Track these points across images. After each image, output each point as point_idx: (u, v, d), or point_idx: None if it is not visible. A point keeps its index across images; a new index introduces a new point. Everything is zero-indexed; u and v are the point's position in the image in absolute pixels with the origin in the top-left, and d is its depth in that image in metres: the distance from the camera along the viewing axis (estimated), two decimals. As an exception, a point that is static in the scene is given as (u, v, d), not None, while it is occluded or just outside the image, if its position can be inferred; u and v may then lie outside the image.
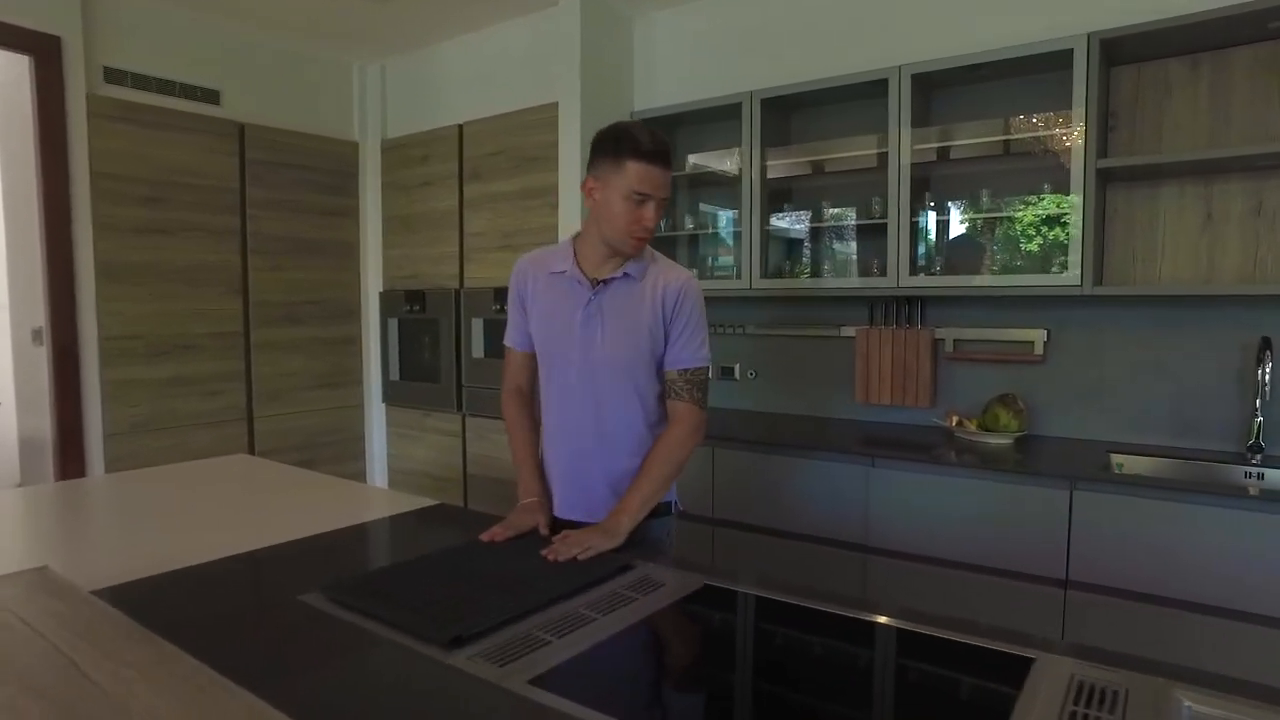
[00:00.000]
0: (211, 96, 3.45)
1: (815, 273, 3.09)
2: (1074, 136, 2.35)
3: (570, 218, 3.13)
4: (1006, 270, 2.62)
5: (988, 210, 2.67)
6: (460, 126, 3.56)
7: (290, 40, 3.70)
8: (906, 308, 2.92)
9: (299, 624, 1.12)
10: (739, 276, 3.07)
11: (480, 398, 3.52)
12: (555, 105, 3.16)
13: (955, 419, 2.70)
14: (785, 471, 2.63)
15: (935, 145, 2.72)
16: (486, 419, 3.51)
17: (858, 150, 2.88)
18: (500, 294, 3.39)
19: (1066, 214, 2.44)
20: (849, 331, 3.07)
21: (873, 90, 2.78)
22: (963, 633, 1.09)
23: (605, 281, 1.55)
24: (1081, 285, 2.35)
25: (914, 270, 2.71)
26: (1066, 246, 2.44)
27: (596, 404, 1.56)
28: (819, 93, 2.89)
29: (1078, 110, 2.33)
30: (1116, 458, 2.40)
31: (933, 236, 2.81)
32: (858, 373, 3.02)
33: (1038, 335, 2.67)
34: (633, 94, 3.44)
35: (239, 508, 1.81)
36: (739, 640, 1.18)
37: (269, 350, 3.63)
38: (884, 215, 2.76)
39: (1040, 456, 2.36)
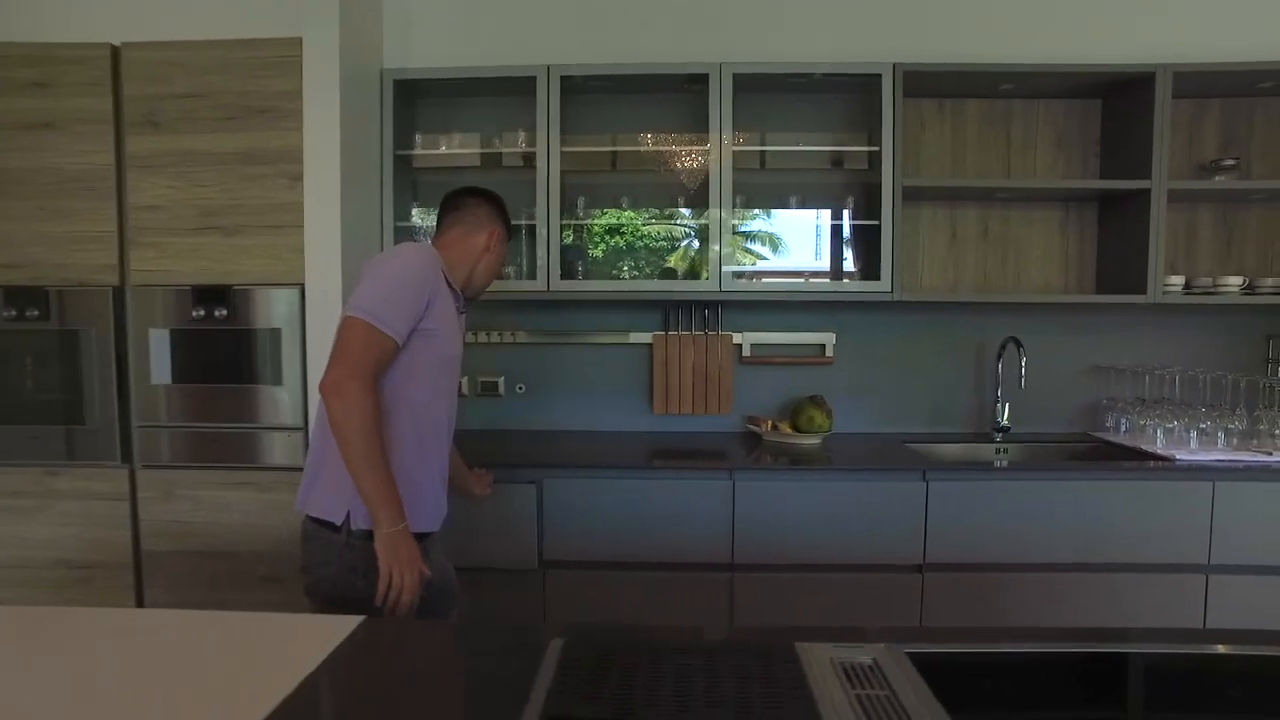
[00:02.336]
0: None
1: (602, 274, 2.86)
2: (881, 156, 2.56)
3: (325, 197, 2.36)
4: (816, 275, 2.75)
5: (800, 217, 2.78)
6: (115, 47, 2.42)
7: None
8: (705, 312, 2.88)
9: None
10: (533, 277, 2.69)
11: (163, 441, 2.45)
12: (297, 42, 2.35)
13: (769, 423, 2.75)
14: (630, 495, 2.37)
15: (757, 149, 2.73)
16: (175, 470, 2.46)
17: (675, 145, 2.75)
18: (204, 291, 2.40)
19: (875, 226, 2.65)
20: (640, 338, 2.92)
21: (672, 84, 2.72)
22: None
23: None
24: (892, 291, 2.58)
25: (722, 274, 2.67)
26: (870, 255, 2.67)
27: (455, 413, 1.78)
28: (615, 80, 2.68)
29: (887, 131, 2.55)
30: (912, 446, 2.69)
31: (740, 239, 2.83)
32: (656, 381, 2.88)
33: (829, 338, 2.88)
34: (381, 46, 2.77)
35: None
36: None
37: None
38: (693, 216, 2.68)
39: (857, 451, 2.56)
